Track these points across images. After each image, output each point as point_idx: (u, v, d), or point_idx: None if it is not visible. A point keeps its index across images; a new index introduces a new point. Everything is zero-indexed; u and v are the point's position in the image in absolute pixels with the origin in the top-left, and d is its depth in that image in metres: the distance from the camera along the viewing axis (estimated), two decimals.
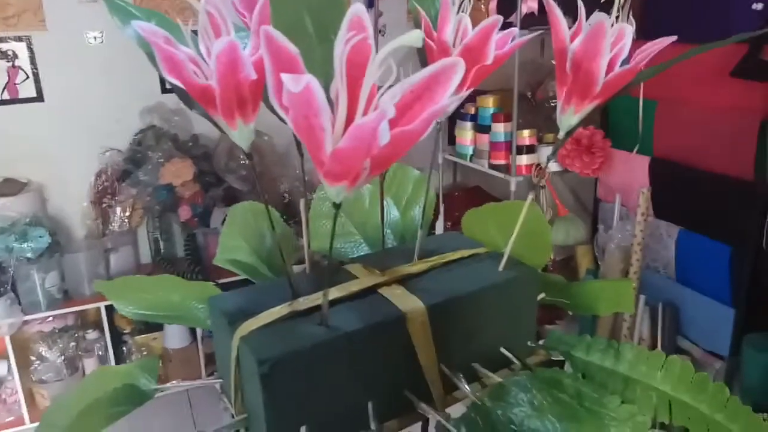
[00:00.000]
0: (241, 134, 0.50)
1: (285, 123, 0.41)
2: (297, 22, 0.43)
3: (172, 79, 0.46)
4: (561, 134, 0.62)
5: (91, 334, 2.40)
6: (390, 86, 0.39)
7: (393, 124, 0.39)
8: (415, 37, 0.35)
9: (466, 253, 0.70)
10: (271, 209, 0.72)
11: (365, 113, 0.39)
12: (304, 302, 0.57)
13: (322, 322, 0.54)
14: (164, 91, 2.46)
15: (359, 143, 0.36)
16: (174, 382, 0.65)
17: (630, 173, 2.07)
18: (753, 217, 1.70)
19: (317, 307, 0.56)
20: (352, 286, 0.61)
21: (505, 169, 2.16)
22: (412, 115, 0.41)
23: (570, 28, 0.59)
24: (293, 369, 0.51)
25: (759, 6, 1.57)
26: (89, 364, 2.37)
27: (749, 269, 1.75)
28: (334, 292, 0.59)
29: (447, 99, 0.41)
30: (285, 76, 0.35)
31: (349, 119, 0.40)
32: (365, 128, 0.36)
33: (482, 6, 2.11)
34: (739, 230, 1.75)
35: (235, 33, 0.56)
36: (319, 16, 0.43)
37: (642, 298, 1.98)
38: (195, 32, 0.51)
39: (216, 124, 0.51)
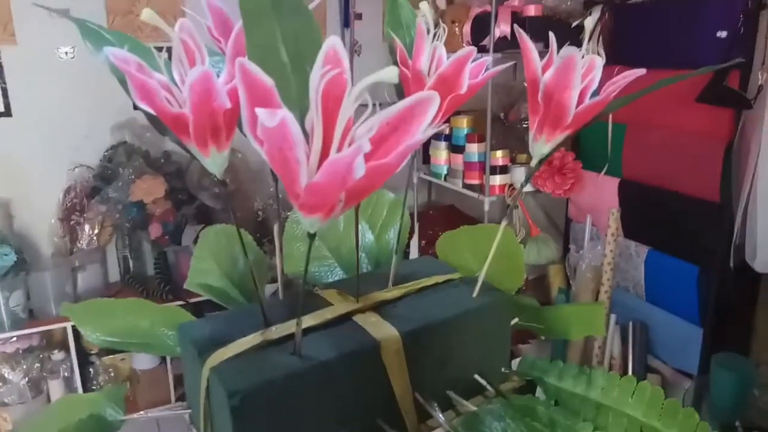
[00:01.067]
0: (214, 161, 0.50)
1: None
2: (271, 51, 0.43)
3: (144, 107, 0.46)
4: (534, 162, 0.63)
5: (57, 355, 2.33)
6: (366, 119, 0.39)
7: (368, 157, 0.39)
8: (391, 74, 0.36)
9: (440, 278, 0.70)
10: (244, 233, 0.71)
11: (341, 146, 0.39)
12: (276, 331, 0.56)
13: (295, 352, 0.54)
14: (136, 107, 2.41)
15: (334, 177, 0.36)
16: (142, 412, 0.63)
17: (600, 194, 2.11)
18: (720, 238, 1.74)
19: (290, 336, 0.56)
20: (327, 314, 0.60)
21: (479, 188, 2.18)
22: (387, 148, 0.41)
23: (541, 55, 0.60)
24: (265, 400, 0.50)
25: (723, 34, 1.62)
26: (54, 386, 2.30)
27: (716, 289, 1.78)
28: (308, 320, 0.58)
29: (422, 132, 0.41)
30: (260, 111, 0.34)
31: (325, 151, 0.40)
32: (341, 163, 0.36)
33: (456, 29, 2.14)
34: (706, 250, 1.79)
35: (210, 58, 0.56)
36: (295, 46, 0.43)
37: (613, 317, 2.01)
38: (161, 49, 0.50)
39: (188, 151, 0.50)
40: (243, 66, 0.37)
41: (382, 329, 0.58)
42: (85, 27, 0.53)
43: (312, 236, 0.45)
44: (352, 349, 0.55)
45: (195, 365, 0.56)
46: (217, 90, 0.44)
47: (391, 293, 0.65)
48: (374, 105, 0.40)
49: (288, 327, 0.57)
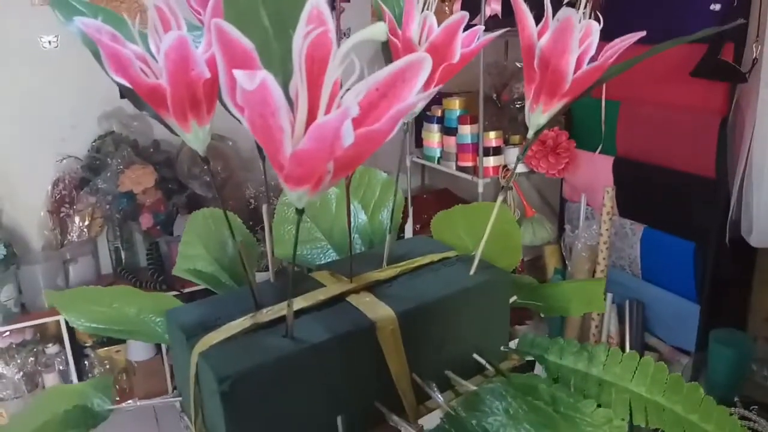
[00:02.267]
0: (195, 137, 0.47)
1: (241, 123, 0.39)
2: (252, 15, 0.40)
3: (118, 79, 0.43)
4: (530, 134, 0.61)
5: (51, 349, 2.31)
6: (354, 83, 0.37)
7: (358, 123, 0.36)
8: (378, 30, 0.33)
9: (436, 257, 0.68)
10: (233, 216, 0.69)
11: (327, 112, 0.37)
12: (267, 314, 0.54)
13: (287, 334, 0.51)
14: (123, 96, 2.39)
15: (321, 144, 0.34)
16: (130, 401, 0.61)
17: (594, 173, 2.09)
18: (715, 214, 1.72)
19: (282, 319, 0.54)
20: (319, 295, 0.58)
21: (473, 170, 2.16)
22: (377, 115, 0.39)
23: (537, 25, 0.58)
24: (256, 385, 0.48)
25: (717, 7, 1.60)
26: (49, 380, 2.28)
27: (712, 265, 1.77)
28: (300, 302, 0.56)
29: (414, 97, 0.38)
30: (238, 73, 0.32)
31: (311, 119, 0.38)
32: (327, 128, 0.33)
33: (446, 8, 2.10)
34: (702, 227, 1.77)
35: (189, 31, 0.53)
36: (276, 9, 0.40)
37: (609, 296, 2.00)
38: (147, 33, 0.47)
39: (169, 127, 0.48)
40: (219, 27, 0.35)
41: (377, 309, 0.56)
42: None
43: (300, 212, 0.43)
44: (347, 330, 0.53)
45: (183, 351, 0.53)
46: (194, 58, 0.41)
47: (386, 273, 0.63)
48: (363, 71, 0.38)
49: (279, 309, 0.55)
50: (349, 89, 0.38)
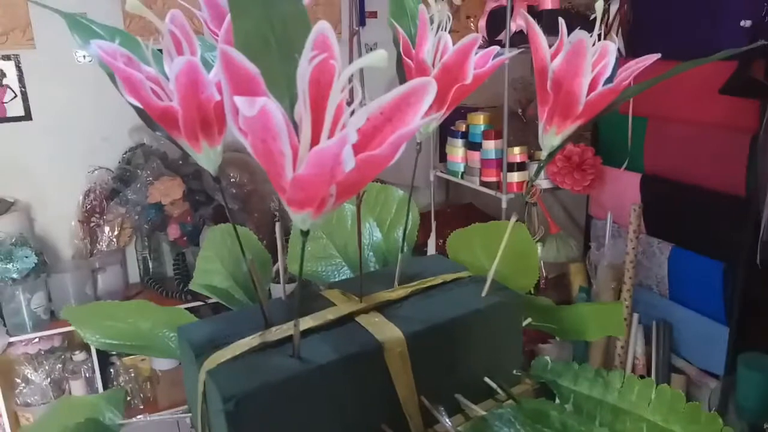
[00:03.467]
0: (206, 157, 0.48)
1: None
2: (260, 40, 0.41)
3: (132, 100, 0.44)
4: (543, 155, 0.60)
5: (78, 356, 2.36)
6: (357, 108, 0.37)
7: (361, 147, 0.37)
8: (378, 58, 0.33)
9: (448, 277, 0.68)
10: (247, 232, 0.70)
11: (331, 136, 0.37)
12: (276, 332, 0.55)
13: (294, 354, 0.52)
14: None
15: (321, 169, 0.34)
16: (141, 416, 0.62)
17: (621, 190, 2.06)
18: (746, 234, 1.68)
19: (290, 338, 0.54)
20: (328, 315, 0.58)
21: (497, 186, 2.14)
22: (382, 138, 0.39)
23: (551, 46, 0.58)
24: (262, 405, 0.48)
25: (747, 23, 1.57)
26: (76, 387, 2.32)
27: (742, 286, 1.73)
28: (308, 321, 0.56)
29: (418, 121, 0.38)
30: (239, 99, 0.32)
31: (314, 143, 0.38)
32: (327, 154, 0.33)
33: (471, 24, 2.11)
34: (731, 246, 1.73)
35: (208, 53, 0.54)
36: (284, 34, 0.41)
37: (635, 316, 1.96)
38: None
39: (181, 147, 0.48)
40: (225, 53, 0.35)
41: (385, 330, 0.56)
42: (73, 20, 0.51)
43: (305, 233, 0.43)
44: (354, 351, 0.53)
45: (192, 368, 0.54)
46: (204, 81, 0.42)
47: (396, 293, 0.63)
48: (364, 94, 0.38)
49: (287, 329, 0.55)
50: (353, 113, 0.38)
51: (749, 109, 1.62)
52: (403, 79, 0.63)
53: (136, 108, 0.46)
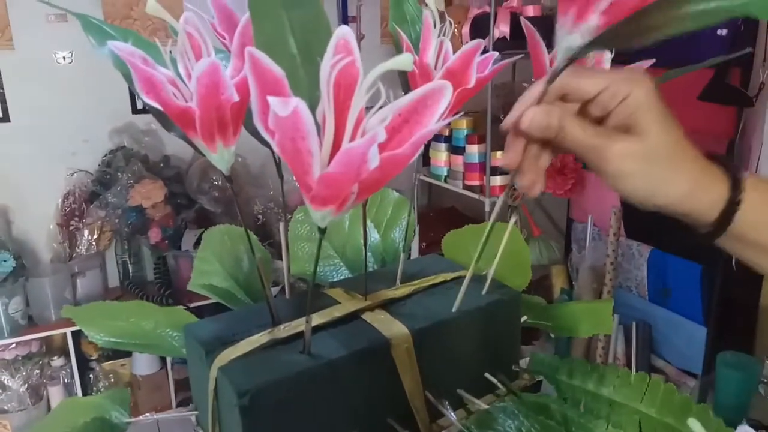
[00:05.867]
0: (221, 157, 0.49)
1: (267, 146, 0.40)
2: (280, 43, 0.42)
3: (150, 101, 0.45)
4: None
5: (57, 361, 2.32)
6: (379, 108, 0.39)
7: (382, 148, 0.38)
8: (404, 61, 0.35)
9: (449, 276, 0.69)
10: (250, 233, 0.70)
11: (353, 137, 0.38)
12: (285, 329, 0.55)
13: (305, 350, 0.53)
14: (135, 111, 2.43)
15: (348, 168, 0.35)
16: (148, 414, 0.62)
17: (602, 194, 2.10)
18: None
19: (298, 335, 0.55)
20: (335, 312, 0.59)
21: (480, 190, 2.17)
22: (400, 139, 0.40)
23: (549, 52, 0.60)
24: (274, 400, 0.49)
25: (724, 32, 1.62)
26: (54, 393, 2.29)
27: (720, 287, 1.78)
28: (317, 318, 0.57)
29: (435, 122, 0.40)
30: (272, 99, 0.33)
31: (337, 143, 0.39)
32: (355, 152, 0.35)
33: (455, 30, 2.13)
34: (709, 249, 1.77)
35: (215, 55, 0.55)
36: (304, 37, 0.42)
37: (616, 317, 2.00)
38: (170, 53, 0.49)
39: (195, 147, 0.49)
40: (252, 55, 0.37)
41: (391, 327, 0.57)
42: (87, 21, 0.52)
43: (322, 231, 0.44)
44: (362, 346, 0.54)
45: (202, 366, 0.55)
46: (225, 83, 0.43)
47: (400, 291, 0.64)
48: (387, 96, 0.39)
49: (296, 325, 0.56)
50: (372, 114, 0.39)
51: (726, 115, 1.67)
52: (405, 81, 0.64)
53: (151, 107, 0.47)
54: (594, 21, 0.43)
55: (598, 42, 0.44)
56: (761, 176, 0.48)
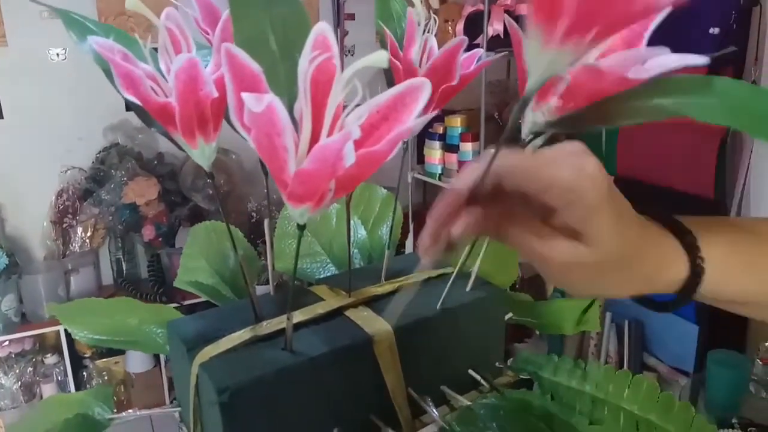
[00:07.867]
0: (202, 153, 0.49)
1: (246, 141, 0.40)
2: (260, 39, 0.42)
3: (129, 96, 0.45)
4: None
5: (50, 359, 2.32)
6: (356, 106, 0.39)
7: (359, 144, 0.38)
8: (380, 58, 0.35)
9: (433, 273, 0.69)
10: (234, 229, 0.70)
11: (330, 134, 0.38)
12: (267, 326, 0.56)
13: (286, 347, 0.53)
14: (128, 108, 2.42)
15: (323, 164, 0.35)
16: (131, 410, 0.62)
17: None
18: None
19: (281, 331, 0.55)
20: (318, 309, 0.59)
21: None
22: (378, 136, 0.40)
23: None
24: (255, 397, 0.49)
25: (716, 30, 1.62)
26: (47, 390, 2.29)
27: None
28: (299, 315, 0.57)
29: (413, 120, 0.40)
30: (246, 96, 0.33)
31: (314, 139, 0.39)
32: (330, 149, 0.35)
33: (449, 28, 2.14)
34: None
35: (198, 50, 0.55)
36: (283, 34, 0.42)
37: (608, 315, 2.01)
38: (156, 49, 0.49)
39: (176, 143, 0.49)
40: (229, 51, 0.37)
41: (374, 324, 0.57)
42: (68, 17, 0.52)
43: (302, 228, 0.44)
44: (344, 343, 0.54)
45: (184, 362, 0.55)
46: (203, 78, 0.43)
47: (384, 288, 0.64)
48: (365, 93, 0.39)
49: (278, 322, 0.56)
50: (351, 111, 0.39)
51: None
52: (390, 78, 0.64)
53: (131, 104, 0.47)
54: (553, 102, 0.49)
55: (560, 123, 0.48)
56: (714, 221, 0.44)
